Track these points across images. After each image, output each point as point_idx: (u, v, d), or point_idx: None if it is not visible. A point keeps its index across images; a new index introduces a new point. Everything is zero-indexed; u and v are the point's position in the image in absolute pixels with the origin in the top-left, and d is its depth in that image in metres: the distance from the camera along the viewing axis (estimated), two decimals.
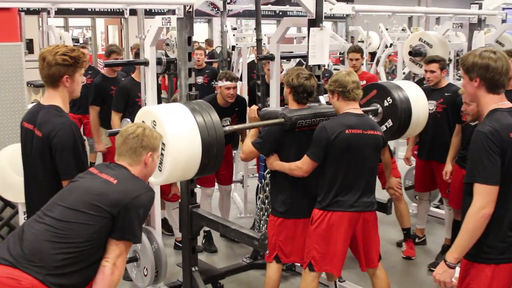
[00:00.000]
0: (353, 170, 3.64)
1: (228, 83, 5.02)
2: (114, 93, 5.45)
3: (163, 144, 3.03)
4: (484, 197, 2.66)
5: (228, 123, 5.22)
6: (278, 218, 3.92)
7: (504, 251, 2.76)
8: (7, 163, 4.24)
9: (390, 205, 4.16)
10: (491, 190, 2.66)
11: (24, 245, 2.51)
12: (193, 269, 3.97)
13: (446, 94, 5.08)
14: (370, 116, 4.03)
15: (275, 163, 3.87)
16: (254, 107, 4.16)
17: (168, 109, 3.28)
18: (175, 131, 3.08)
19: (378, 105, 4.16)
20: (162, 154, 3.04)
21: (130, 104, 5.20)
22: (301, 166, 3.72)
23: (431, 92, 5.02)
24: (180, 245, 5.20)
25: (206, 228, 5.17)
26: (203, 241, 5.24)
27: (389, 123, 4.10)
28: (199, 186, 4.96)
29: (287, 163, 3.80)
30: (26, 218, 3.32)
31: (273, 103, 5.07)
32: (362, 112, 3.78)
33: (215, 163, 3.29)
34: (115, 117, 5.25)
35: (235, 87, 5.08)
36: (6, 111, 4.92)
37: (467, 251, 2.74)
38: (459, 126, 4.84)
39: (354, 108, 3.70)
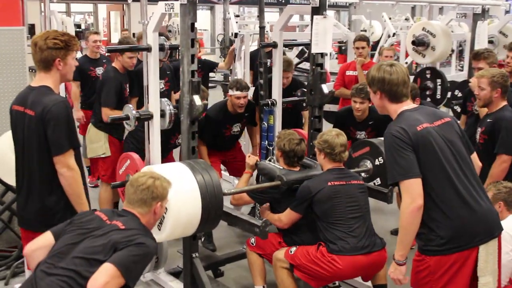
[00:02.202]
0: (348, 215, 3.71)
1: (238, 93, 5.01)
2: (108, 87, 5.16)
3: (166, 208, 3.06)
4: (410, 192, 2.77)
5: (239, 129, 5.29)
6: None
7: (459, 238, 2.81)
8: (8, 147, 4.23)
9: (391, 194, 4.17)
10: (414, 183, 2.76)
11: None
12: (193, 255, 3.98)
13: (488, 120, 4.29)
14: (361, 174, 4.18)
15: (265, 213, 4.10)
16: (254, 157, 4.30)
17: (169, 169, 3.36)
18: (176, 191, 3.11)
19: (369, 163, 4.24)
20: (163, 215, 3.11)
21: (121, 99, 5.11)
22: (283, 219, 3.90)
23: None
24: None
25: None
26: (203, 239, 5.18)
27: (378, 181, 4.16)
28: None
29: (272, 215, 4.00)
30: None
31: (276, 91, 5.06)
32: (343, 167, 3.92)
33: (215, 219, 3.45)
34: (110, 113, 4.80)
35: (245, 97, 5.06)
36: (8, 95, 4.91)
37: (409, 247, 2.89)
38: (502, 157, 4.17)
39: (338, 165, 3.85)
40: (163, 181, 2.84)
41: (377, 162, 4.17)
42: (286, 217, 3.87)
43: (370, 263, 3.68)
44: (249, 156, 4.34)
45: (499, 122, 4.16)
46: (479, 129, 4.31)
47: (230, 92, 5.06)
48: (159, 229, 3.20)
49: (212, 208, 3.33)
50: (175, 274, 4.44)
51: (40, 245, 2.74)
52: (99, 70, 6.53)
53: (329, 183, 3.74)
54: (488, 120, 4.24)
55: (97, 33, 7.13)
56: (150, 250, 2.64)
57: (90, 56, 6.71)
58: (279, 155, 4.13)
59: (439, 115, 2.98)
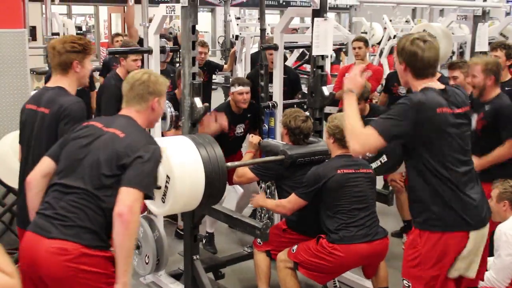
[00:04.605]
0: (353, 205, 3.68)
1: (240, 88, 5.03)
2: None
3: (168, 177, 3.03)
4: (362, 140, 2.79)
5: (242, 130, 5.29)
6: (292, 232, 3.99)
7: (455, 218, 2.82)
8: (10, 149, 4.24)
9: (391, 196, 4.17)
10: (373, 137, 2.77)
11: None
12: (194, 257, 3.98)
13: (487, 109, 4.28)
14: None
15: (261, 200, 4.05)
16: (257, 137, 4.27)
17: (173, 141, 3.31)
18: (180, 162, 3.08)
19: None
20: (166, 186, 3.06)
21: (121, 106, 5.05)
22: (286, 204, 3.81)
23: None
24: (182, 233, 5.22)
25: (209, 230, 5.16)
26: (204, 242, 5.16)
27: (384, 158, 4.11)
28: None
29: (272, 201, 3.95)
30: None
31: (276, 93, 5.07)
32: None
33: (218, 195, 3.37)
34: None
35: (248, 92, 5.08)
36: (9, 97, 4.92)
37: None
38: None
39: (346, 151, 3.72)
40: (158, 77, 2.88)
41: None
42: (290, 203, 3.78)
43: (372, 251, 3.66)
44: (252, 136, 4.32)
45: (501, 110, 4.16)
46: (475, 115, 4.23)
47: (232, 89, 5.08)
48: (163, 202, 3.12)
49: (216, 181, 3.25)
50: (176, 276, 4.44)
51: (43, 173, 2.77)
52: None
53: (338, 171, 3.68)
54: (487, 109, 4.21)
55: (119, 34, 6.88)
56: (156, 155, 2.65)
57: None
58: (284, 133, 4.06)
59: (462, 103, 2.92)
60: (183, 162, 3.07)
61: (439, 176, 2.81)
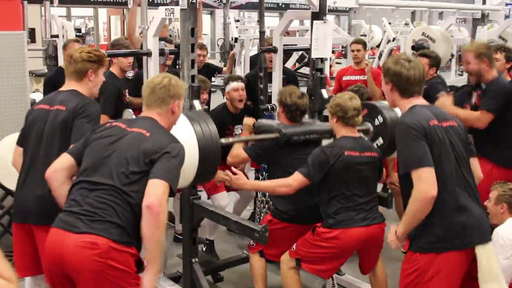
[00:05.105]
0: (354, 190, 3.65)
1: (235, 84, 4.96)
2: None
3: None
4: (425, 180, 2.75)
5: (240, 131, 5.20)
6: (280, 222, 3.92)
7: (452, 238, 2.83)
8: (9, 152, 4.23)
9: (390, 199, 4.17)
10: (430, 172, 2.76)
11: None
12: (193, 260, 3.98)
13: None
14: (365, 138, 4.04)
15: (249, 182, 4.00)
16: (252, 119, 4.20)
17: None
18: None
19: (369, 124, 4.13)
20: None
21: (120, 104, 4.94)
22: (292, 183, 3.65)
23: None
24: (180, 237, 5.21)
25: (209, 237, 5.13)
26: (204, 249, 5.11)
27: (380, 141, 4.08)
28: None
29: (271, 182, 3.80)
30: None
31: (275, 95, 5.06)
32: (359, 135, 3.80)
33: (212, 171, 3.39)
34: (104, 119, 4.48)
35: (243, 88, 5.01)
36: (8, 99, 4.92)
37: (410, 230, 2.88)
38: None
39: (351, 132, 3.72)
40: (178, 80, 2.98)
41: (376, 122, 4.07)
42: (296, 181, 3.62)
43: (369, 235, 3.64)
44: (246, 118, 4.28)
45: (491, 86, 4.22)
46: (474, 93, 4.35)
47: (227, 88, 4.99)
48: None
49: (210, 157, 3.28)
50: (175, 279, 4.43)
51: (62, 166, 2.83)
52: None
53: (346, 153, 3.62)
54: (483, 87, 4.26)
55: (77, 41, 6.13)
56: (182, 153, 2.77)
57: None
58: (280, 111, 4.02)
59: (447, 117, 2.99)
60: (177, 137, 3.08)
61: None
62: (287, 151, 3.87)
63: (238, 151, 4.00)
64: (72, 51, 3.36)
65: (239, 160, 4.11)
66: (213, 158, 3.30)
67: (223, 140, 3.54)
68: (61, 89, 3.37)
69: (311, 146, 3.86)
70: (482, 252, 2.85)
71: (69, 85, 3.33)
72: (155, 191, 2.56)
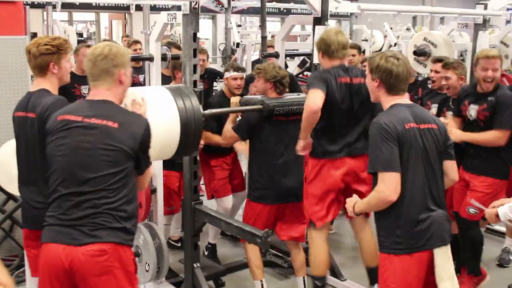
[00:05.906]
0: (342, 121, 3.85)
1: (234, 74, 4.98)
2: None
3: None
4: (387, 184, 2.80)
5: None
6: (258, 204, 4.07)
7: (413, 240, 2.87)
8: (10, 157, 4.23)
9: None
10: (394, 177, 2.80)
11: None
12: (195, 265, 3.98)
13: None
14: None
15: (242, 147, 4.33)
16: (238, 97, 4.36)
17: (150, 90, 3.37)
18: (156, 111, 3.14)
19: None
20: None
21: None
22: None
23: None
24: (173, 243, 5.22)
25: (212, 241, 5.14)
26: (206, 254, 5.12)
27: None
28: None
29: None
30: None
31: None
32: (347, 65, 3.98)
33: (193, 144, 3.42)
34: None
35: (241, 78, 5.03)
36: (10, 104, 4.90)
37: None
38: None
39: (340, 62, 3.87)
40: (119, 47, 2.81)
41: None
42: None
43: (354, 165, 3.82)
44: (233, 97, 4.42)
45: (503, 99, 4.16)
46: (476, 107, 4.25)
47: (226, 74, 5.02)
48: None
49: (191, 130, 3.30)
50: (177, 284, 4.42)
51: None
52: (85, 89, 5.22)
53: (338, 80, 3.77)
54: (490, 99, 4.18)
55: (89, 46, 5.85)
56: (149, 127, 2.71)
57: (76, 72, 5.19)
58: (268, 87, 4.11)
59: (427, 119, 2.98)
60: (159, 110, 3.15)
61: None
62: (270, 125, 4.01)
63: (230, 133, 4.17)
64: (30, 45, 3.19)
65: (232, 140, 4.30)
66: (194, 131, 3.33)
67: (206, 112, 3.60)
68: (31, 88, 3.27)
69: (294, 123, 3.96)
70: (440, 254, 2.89)
71: (36, 82, 3.22)
72: (147, 180, 2.89)
